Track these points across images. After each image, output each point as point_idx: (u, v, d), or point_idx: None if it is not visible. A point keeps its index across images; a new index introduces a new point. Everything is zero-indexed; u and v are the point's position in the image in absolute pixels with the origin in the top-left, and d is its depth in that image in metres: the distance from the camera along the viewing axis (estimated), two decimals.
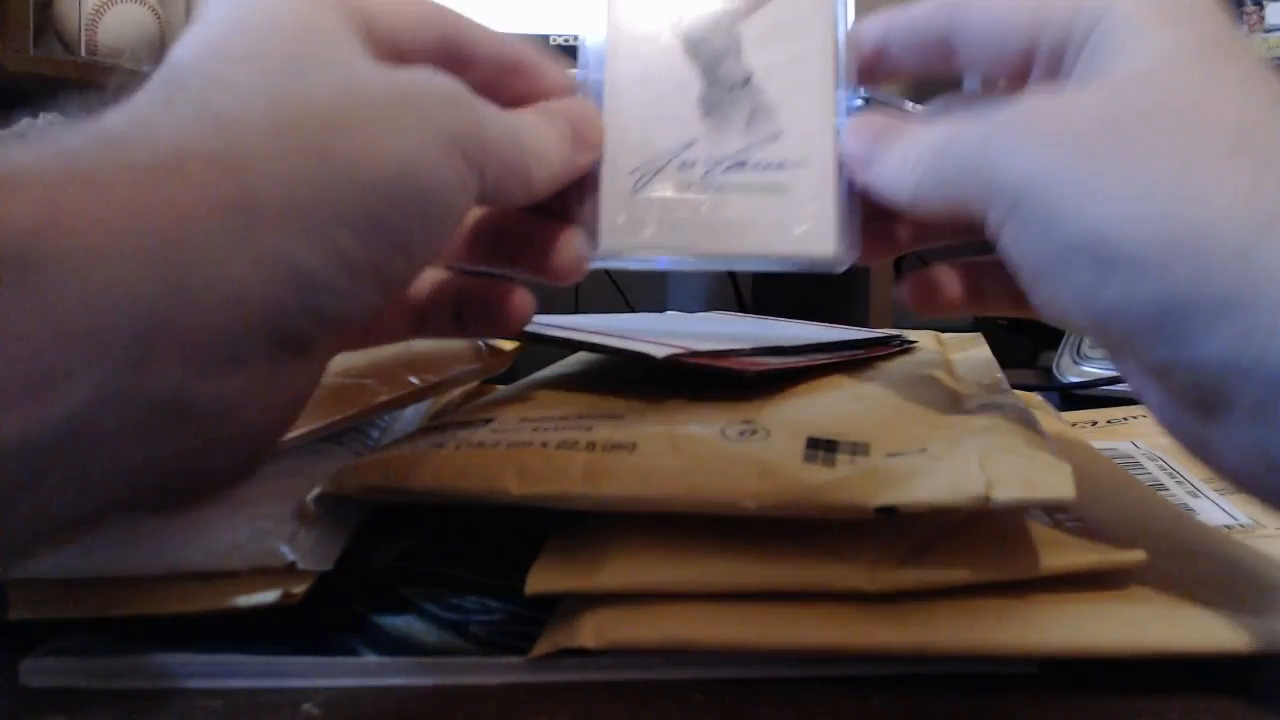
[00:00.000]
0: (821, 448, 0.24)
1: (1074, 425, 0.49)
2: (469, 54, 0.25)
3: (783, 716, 0.22)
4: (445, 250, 0.27)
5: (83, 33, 1.07)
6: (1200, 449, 0.23)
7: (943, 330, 0.44)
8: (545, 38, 1.35)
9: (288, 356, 0.19)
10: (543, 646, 0.23)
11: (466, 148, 0.21)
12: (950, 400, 0.30)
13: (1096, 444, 0.42)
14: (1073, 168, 0.21)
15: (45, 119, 0.20)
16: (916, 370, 0.35)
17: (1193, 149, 0.20)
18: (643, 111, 0.28)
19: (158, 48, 1.08)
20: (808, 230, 0.28)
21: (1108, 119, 0.21)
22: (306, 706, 0.22)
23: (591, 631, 0.23)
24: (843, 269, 0.27)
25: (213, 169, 0.17)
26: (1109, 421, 0.50)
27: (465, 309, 0.28)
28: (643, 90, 0.29)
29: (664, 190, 0.28)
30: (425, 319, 0.28)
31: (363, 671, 0.24)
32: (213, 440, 0.18)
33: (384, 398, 0.32)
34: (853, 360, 0.34)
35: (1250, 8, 1.44)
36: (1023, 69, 0.25)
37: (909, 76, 0.29)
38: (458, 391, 0.37)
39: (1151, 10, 0.22)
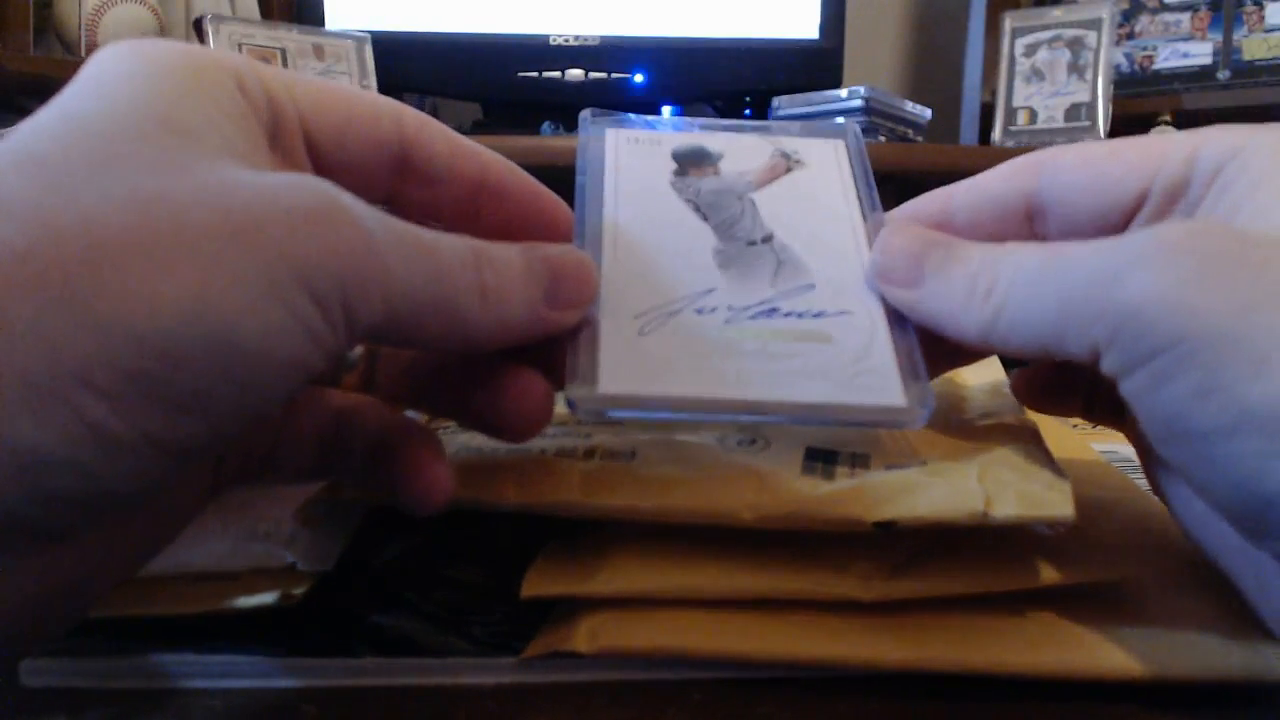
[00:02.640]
0: (820, 459, 0.24)
1: (1074, 426, 0.49)
2: (424, 168, 0.22)
3: (782, 716, 0.22)
4: (280, 408, 0.20)
5: (83, 33, 1.07)
6: None
7: None
8: (545, 38, 1.35)
9: (25, 548, 0.15)
10: (535, 648, 0.23)
11: (319, 283, 0.16)
12: (952, 407, 0.30)
13: (1096, 446, 0.42)
14: (1251, 325, 0.17)
15: None
16: None
17: None
18: (649, 258, 0.24)
19: None
20: (866, 379, 0.23)
21: None
22: (306, 707, 0.22)
23: (585, 636, 0.23)
24: (917, 426, 0.23)
25: None
26: None
27: (378, 461, 0.22)
28: (648, 237, 0.25)
29: (680, 333, 0.23)
30: (330, 458, 0.23)
31: (363, 671, 0.24)
32: None
33: None
34: None
35: (1250, 8, 1.44)
36: (1123, 224, 0.22)
37: None
38: None
39: None
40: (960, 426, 0.27)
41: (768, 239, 0.25)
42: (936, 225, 0.25)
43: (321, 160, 0.21)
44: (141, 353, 0.14)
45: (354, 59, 1.25)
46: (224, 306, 0.15)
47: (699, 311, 0.23)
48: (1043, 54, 1.41)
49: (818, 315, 0.24)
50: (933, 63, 1.73)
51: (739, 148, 0.28)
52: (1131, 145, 0.23)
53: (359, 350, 0.22)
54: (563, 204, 0.25)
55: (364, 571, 0.27)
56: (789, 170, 0.27)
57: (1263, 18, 1.44)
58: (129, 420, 0.14)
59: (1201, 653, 0.22)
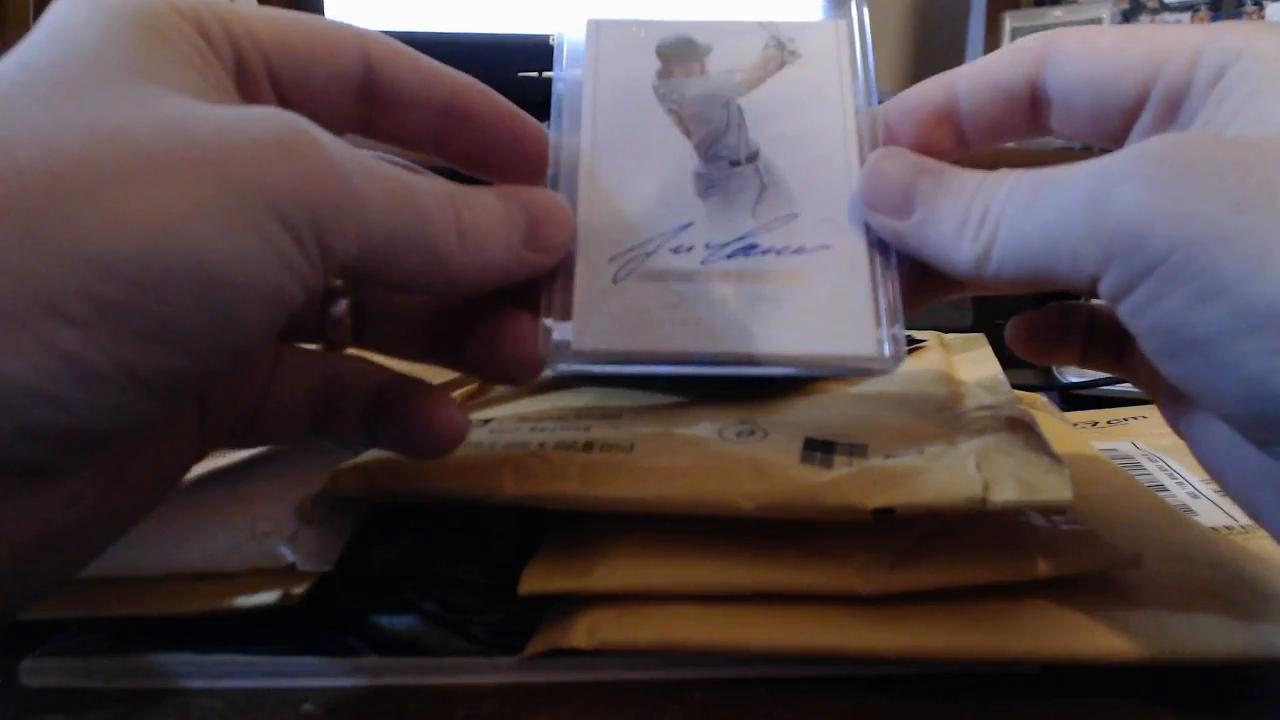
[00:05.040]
0: (819, 448, 0.24)
1: (1075, 425, 0.49)
2: (390, 94, 0.22)
3: (782, 716, 0.22)
4: (266, 341, 0.20)
5: None
6: None
7: (944, 331, 0.44)
8: (545, 38, 1.35)
9: (8, 485, 0.15)
10: (536, 646, 0.23)
11: (290, 210, 0.16)
12: (950, 402, 0.30)
13: (1097, 444, 0.42)
14: (1245, 223, 0.16)
15: None
16: (918, 371, 0.35)
17: None
18: (626, 190, 0.24)
19: None
20: (840, 327, 0.22)
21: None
22: (306, 706, 0.22)
23: (584, 632, 0.23)
24: (888, 372, 0.22)
25: None
26: (1109, 422, 0.50)
27: (379, 413, 0.23)
28: (626, 164, 0.24)
29: (654, 280, 0.23)
30: (326, 419, 0.23)
31: (363, 671, 0.24)
32: None
33: None
34: None
35: (1250, 8, 1.44)
36: (1123, 126, 0.22)
37: (981, 143, 0.24)
38: (458, 392, 0.37)
39: None
40: (958, 418, 0.27)
41: (752, 157, 0.24)
42: (940, 114, 0.24)
43: (287, 94, 0.21)
44: (109, 280, 0.14)
45: None
46: (192, 232, 0.15)
47: (675, 251, 0.23)
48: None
49: (797, 251, 0.23)
50: (933, 63, 1.73)
51: (730, 36, 0.26)
52: (1137, 39, 0.22)
53: (344, 305, 0.22)
54: (537, 126, 0.24)
55: (364, 571, 0.27)
56: (782, 65, 0.26)
57: (1263, 18, 1.44)
58: (102, 350, 0.14)
59: (1203, 634, 0.22)
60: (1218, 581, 0.24)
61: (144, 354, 0.15)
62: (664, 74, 0.26)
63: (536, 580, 0.24)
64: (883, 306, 0.23)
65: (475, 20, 1.33)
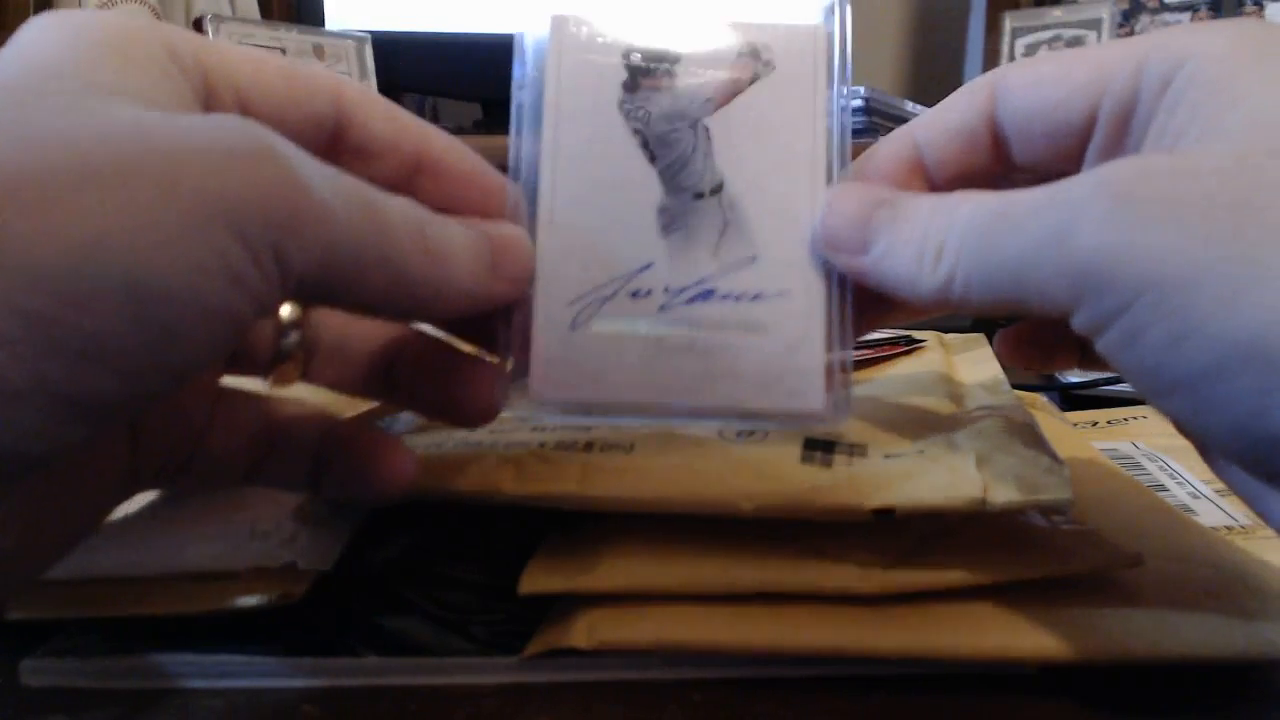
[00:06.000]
0: (819, 448, 0.24)
1: (1075, 425, 0.49)
2: (361, 143, 0.21)
3: (782, 716, 0.22)
4: (215, 361, 0.19)
5: None
6: None
7: (944, 331, 0.44)
8: None
9: None
10: (535, 646, 0.23)
11: (243, 221, 0.15)
12: (951, 402, 0.30)
13: (1097, 444, 0.42)
14: (1214, 258, 0.16)
15: None
16: (917, 372, 0.35)
17: None
18: (587, 225, 0.23)
19: None
20: (790, 381, 0.23)
21: (1247, 190, 0.16)
22: (306, 706, 0.22)
23: (583, 632, 0.23)
24: (835, 427, 0.23)
25: None
26: (1109, 422, 0.50)
27: (326, 461, 0.22)
28: (588, 198, 0.23)
29: (612, 326, 0.23)
30: (264, 465, 0.23)
31: (363, 671, 0.24)
32: None
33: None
34: (859, 361, 0.34)
35: (1250, 8, 1.44)
36: (1079, 148, 0.22)
37: (953, 189, 0.23)
38: None
39: (1250, 52, 0.18)
40: (958, 418, 0.27)
41: (716, 190, 0.24)
42: (910, 168, 0.24)
43: None
44: (35, 292, 0.13)
45: (354, 59, 1.25)
46: (129, 243, 0.14)
47: (634, 295, 0.23)
48: (1043, 54, 1.41)
49: (755, 298, 0.23)
50: (933, 63, 1.73)
51: (702, 42, 0.25)
52: (1081, 61, 0.21)
53: (295, 337, 0.22)
54: (504, 184, 0.23)
55: (364, 571, 0.27)
56: (755, 78, 0.24)
57: (1262, 18, 1.44)
58: (25, 367, 0.13)
59: (1203, 634, 0.22)
60: (1218, 581, 0.24)
61: (71, 372, 0.14)
62: (630, 86, 0.24)
63: (536, 580, 0.24)
64: (835, 359, 0.23)
65: (475, 20, 1.33)
